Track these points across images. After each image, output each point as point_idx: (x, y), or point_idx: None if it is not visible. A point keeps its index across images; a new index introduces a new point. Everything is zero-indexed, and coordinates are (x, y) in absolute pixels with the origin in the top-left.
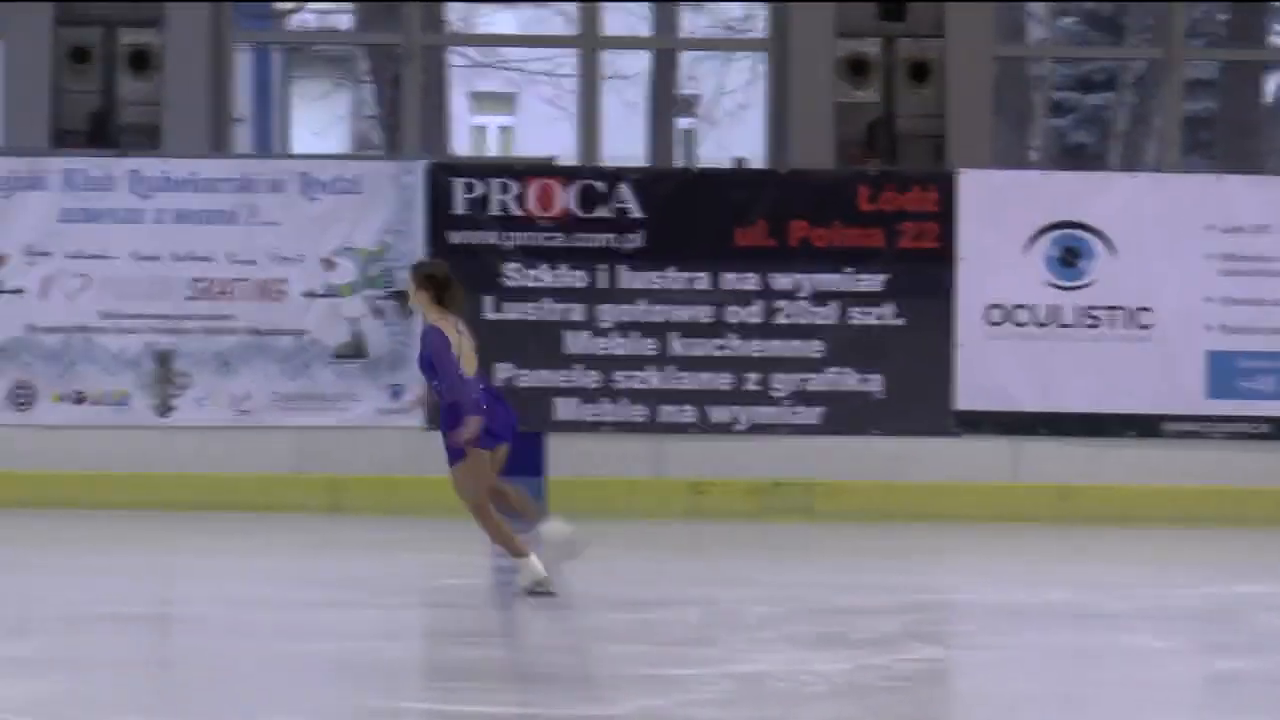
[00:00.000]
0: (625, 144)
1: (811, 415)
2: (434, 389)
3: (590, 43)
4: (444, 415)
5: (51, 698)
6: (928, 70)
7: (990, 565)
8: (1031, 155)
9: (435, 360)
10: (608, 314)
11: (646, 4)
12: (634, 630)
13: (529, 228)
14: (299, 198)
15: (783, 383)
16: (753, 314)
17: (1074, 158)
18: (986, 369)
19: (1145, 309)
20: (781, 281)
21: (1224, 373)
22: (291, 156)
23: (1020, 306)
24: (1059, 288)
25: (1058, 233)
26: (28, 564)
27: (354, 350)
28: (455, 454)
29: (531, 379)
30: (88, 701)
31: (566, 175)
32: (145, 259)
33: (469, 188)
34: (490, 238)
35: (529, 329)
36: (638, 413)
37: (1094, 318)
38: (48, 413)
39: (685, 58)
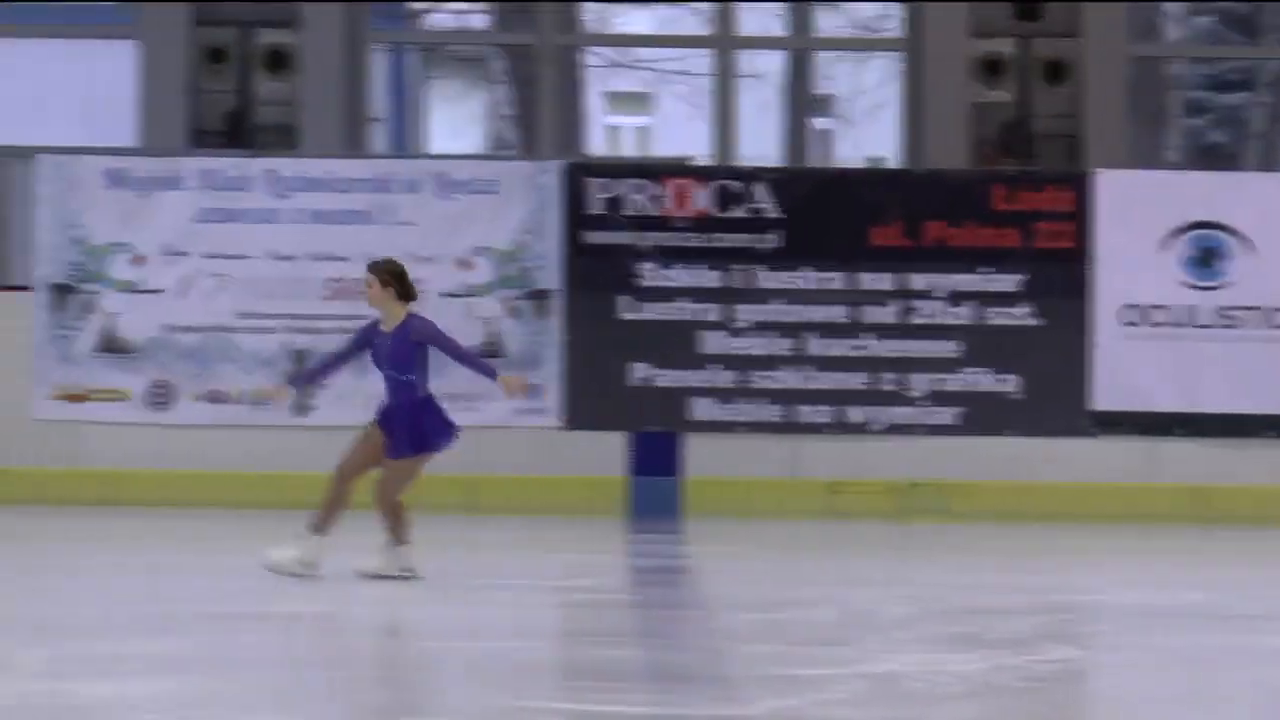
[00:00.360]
0: (760, 144)
1: (947, 415)
2: (402, 384)
3: (725, 43)
4: (409, 411)
5: (192, 696)
6: (1063, 70)
7: (1126, 566)
8: (1167, 155)
9: (439, 340)
10: (744, 314)
11: (781, 3)
12: (768, 630)
13: (665, 228)
14: (435, 198)
15: (918, 383)
16: (888, 314)
17: (1210, 158)
18: (1123, 369)
19: None
20: (917, 281)
21: None
22: (427, 157)
23: (1157, 307)
24: (1196, 288)
25: (1194, 233)
26: (169, 563)
27: (489, 350)
28: (403, 449)
29: (667, 379)
30: (228, 700)
31: (702, 175)
32: (282, 259)
33: (604, 188)
34: (626, 238)
35: (665, 329)
36: (774, 413)
37: (1232, 318)
38: (185, 412)
39: (820, 57)
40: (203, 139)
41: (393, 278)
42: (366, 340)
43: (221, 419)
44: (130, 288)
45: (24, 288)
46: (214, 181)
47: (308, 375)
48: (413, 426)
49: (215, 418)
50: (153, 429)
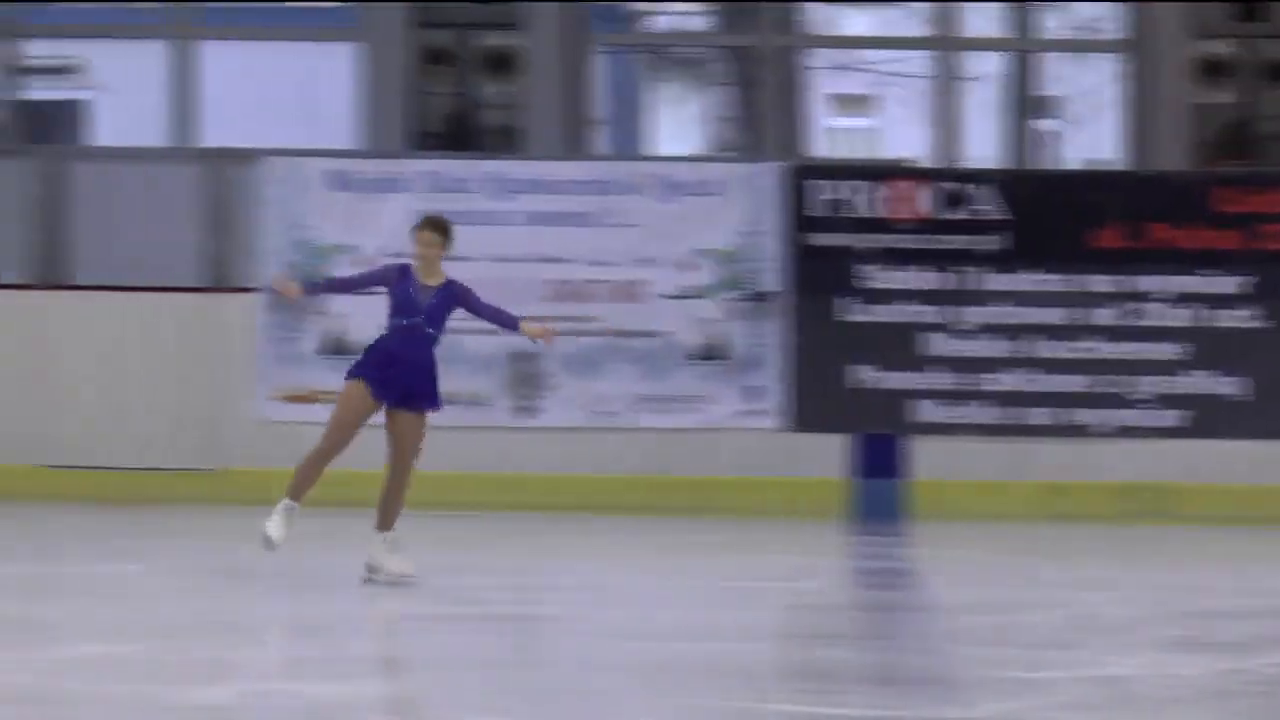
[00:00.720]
0: (982, 146)
1: (1172, 418)
2: (426, 337)
3: (947, 44)
4: (433, 365)
5: (413, 697)
6: None
7: None
8: None
9: (477, 305)
10: (967, 316)
11: (1003, 5)
12: (993, 632)
13: (886, 229)
14: (656, 200)
15: (1143, 385)
16: (1112, 316)
17: None
18: None
19: None
20: (1141, 283)
21: None
22: (648, 159)
23: None
24: None
25: None
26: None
27: (712, 352)
28: (436, 401)
29: (889, 381)
30: (449, 701)
31: (925, 177)
32: (503, 260)
33: (826, 189)
34: (848, 239)
35: (887, 331)
36: (998, 415)
37: None
38: None
39: (1042, 59)
40: (423, 141)
41: (450, 238)
42: (385, 280)
43: (447, 420)
44: None
45: (249, 289)
46: (436, 183)
47: (324, 285)
48: (436, 381)
49: (441, 418)
50: (376, 430)
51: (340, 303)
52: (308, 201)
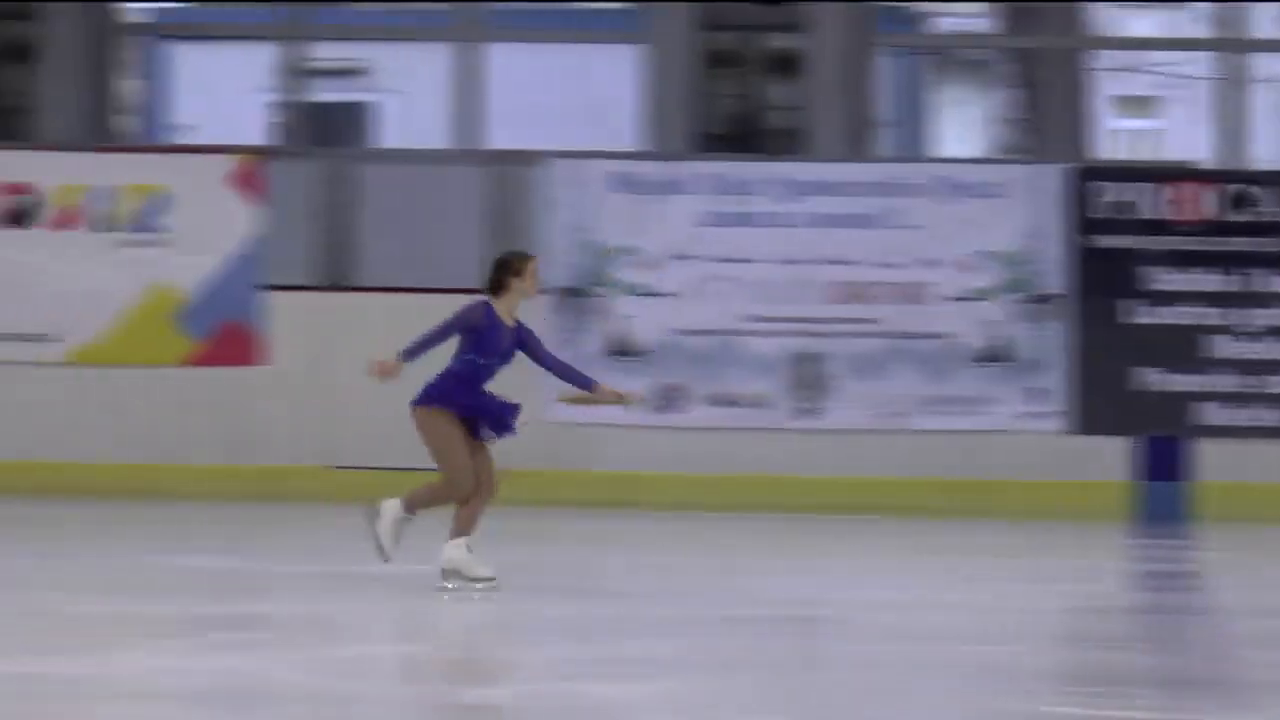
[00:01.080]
0: (1267, 147)
1: None
2: (491, 376)
3: (1232, 45)
4: (493, 401)
5: (691, 698)
6: None
7: None
8: None
9: (540, 350)
10: (1254, 319)
11: None
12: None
13: (1171, 232)
14: (940, 202)
15: None
16: None
17: None
18: None
19: None
20: None
21: None
22: (932, 160)
23: None
24: None
25: None
26: (676, 565)
27: (995, 353)
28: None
29: (1174, 384)
30: (728, 702)
31: (1209, 179)
32: (788, 263)
33: (1110, 191)
34: (1131, 242)
35: (1171, 334)
36: None
37: None
38: (695, 415)
39: None
40: (707, 143)
41: None
42: (471, 322)
43: (731, 421)
44: (639, 291)
45: None
46: (720, 185)
47: (417, 348)
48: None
49: (725, 420)
50: (661, 431)
51: (623, 304)
52: (591, 203)
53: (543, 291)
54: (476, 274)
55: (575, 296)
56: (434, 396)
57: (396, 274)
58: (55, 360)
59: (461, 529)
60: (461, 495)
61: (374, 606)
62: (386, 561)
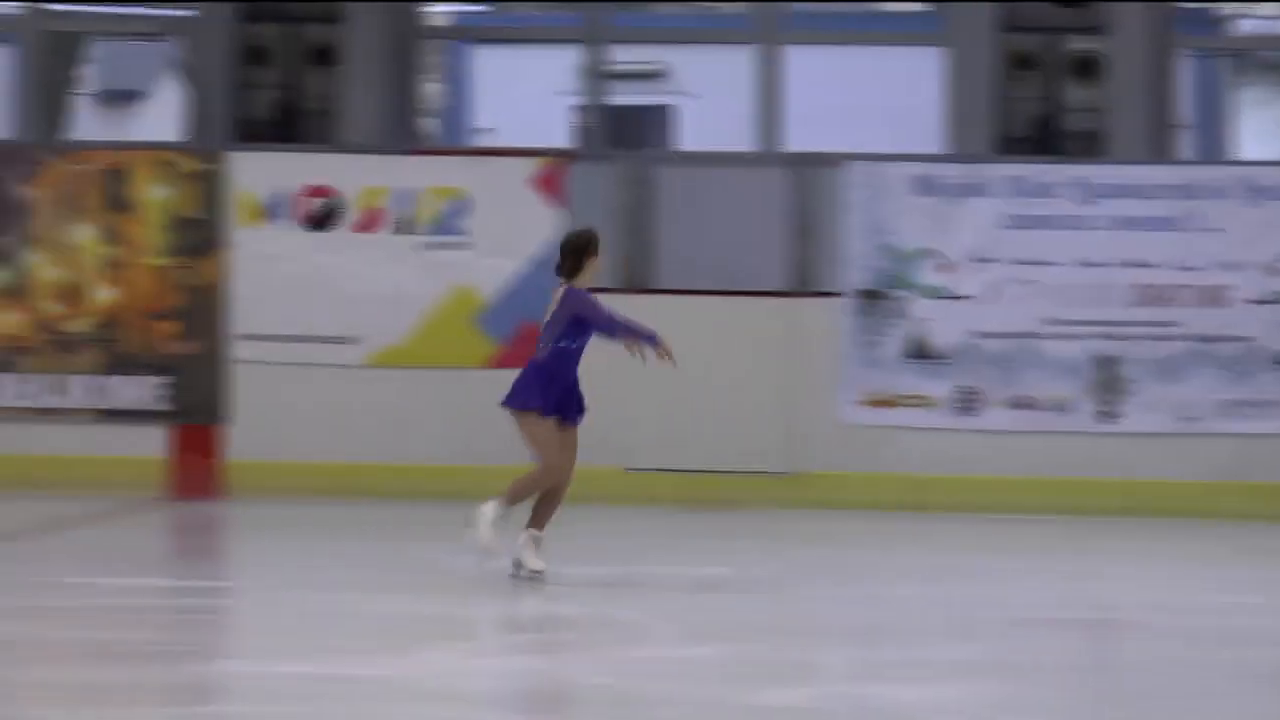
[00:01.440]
0: None
1: None
2: (583, 349)
3: None
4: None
5: (991, 700)
6: None
7: None
8: None
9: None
10: None
11: None
12: None
13: None
14: (1243, 204)
15: None
16: None
17: None
18: None
19: None
20: None
21: None
22: (1234, 163)
23: None
24: None
25: None
26: (969, 568)
27: None
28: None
29: None
30: (1027, 705)
31: None
32: (1088, 265)
33: None
34: None
35: None
36: None
37: None
38: (992, 418)
39: None
40: (1008, 146)
41: None
42: None
43: (1029, 425)
44: (938, 294)
45: (833, 293)
46: (1020, 188)
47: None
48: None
49: (1023, 424)
50: (957, 434)
51: (922, 307)
52: (891, 206)
53: (841, 294)
54: (778, 276)
55: (874, 299)
56: (529, 399)
57: (694, 277)
58: (355, 362)
59: (532, 517)
60: (556, 484)
61: (669, 609)
62: (493, 559)
